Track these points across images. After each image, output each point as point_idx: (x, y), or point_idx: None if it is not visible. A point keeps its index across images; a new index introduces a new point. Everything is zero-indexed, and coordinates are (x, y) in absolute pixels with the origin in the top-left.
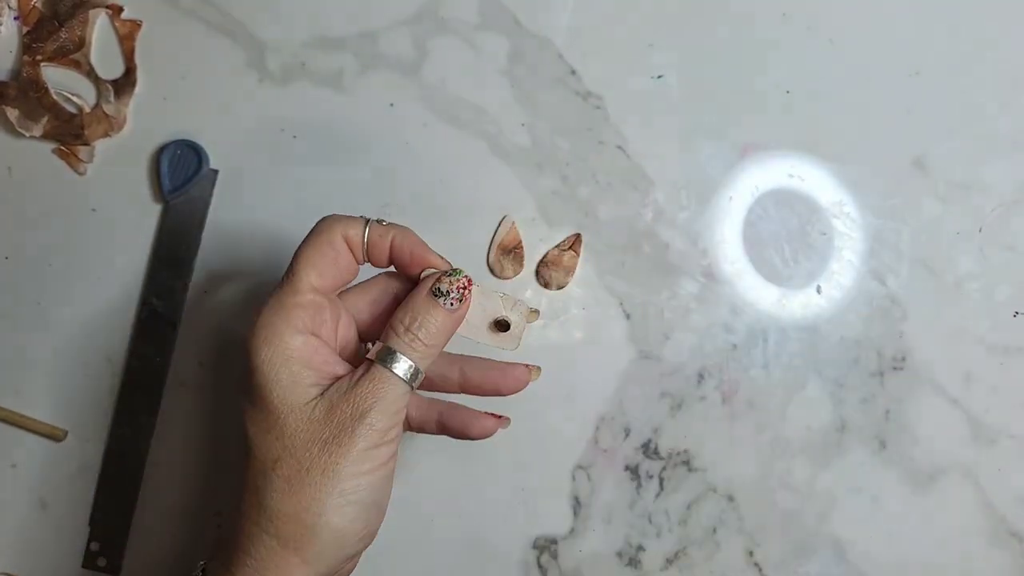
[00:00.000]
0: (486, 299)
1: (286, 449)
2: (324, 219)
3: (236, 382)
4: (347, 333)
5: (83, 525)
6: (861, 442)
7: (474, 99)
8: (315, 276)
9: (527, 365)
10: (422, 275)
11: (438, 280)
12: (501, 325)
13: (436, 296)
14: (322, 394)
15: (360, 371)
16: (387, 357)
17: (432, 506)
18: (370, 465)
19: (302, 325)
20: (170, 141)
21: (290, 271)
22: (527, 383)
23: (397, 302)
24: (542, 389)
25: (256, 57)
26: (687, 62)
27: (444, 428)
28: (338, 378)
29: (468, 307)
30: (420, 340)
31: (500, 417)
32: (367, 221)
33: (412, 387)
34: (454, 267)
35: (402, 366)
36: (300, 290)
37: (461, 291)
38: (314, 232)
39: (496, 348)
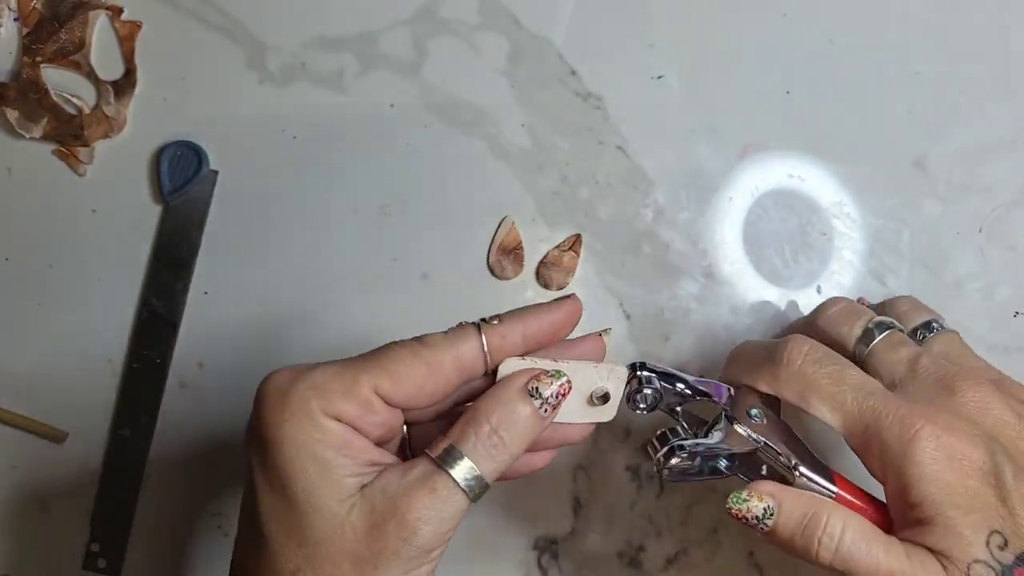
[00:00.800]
0: (577, 374)
1: (309, 560)
2: (431, 339)
3: (247, 440)
4: (393, 422)
5: (83, 526)
6: None
7: (474, 100)
8: (387, 384)
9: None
10: (500, 368)
11: (537, 379)
12: (601, 398)
13: (531, 396)
14: (361, 489)
15: (415, 472)
16: (451, 461)
17: None
18: None
19: (340, 414)
20: (170, 142)
21: (363, 360)
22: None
23: (462, 386)
24: None
25: (256, 58)
26: (687, 62)
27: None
28: (376, 465)
29: (555, 416)
30: (505, 446)
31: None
32: (478, 328)
33: (473, 502)
34: (557, 368)
35: (467, 473)
36: (358, 385)
37: (559, 398)
38: (418, 344)
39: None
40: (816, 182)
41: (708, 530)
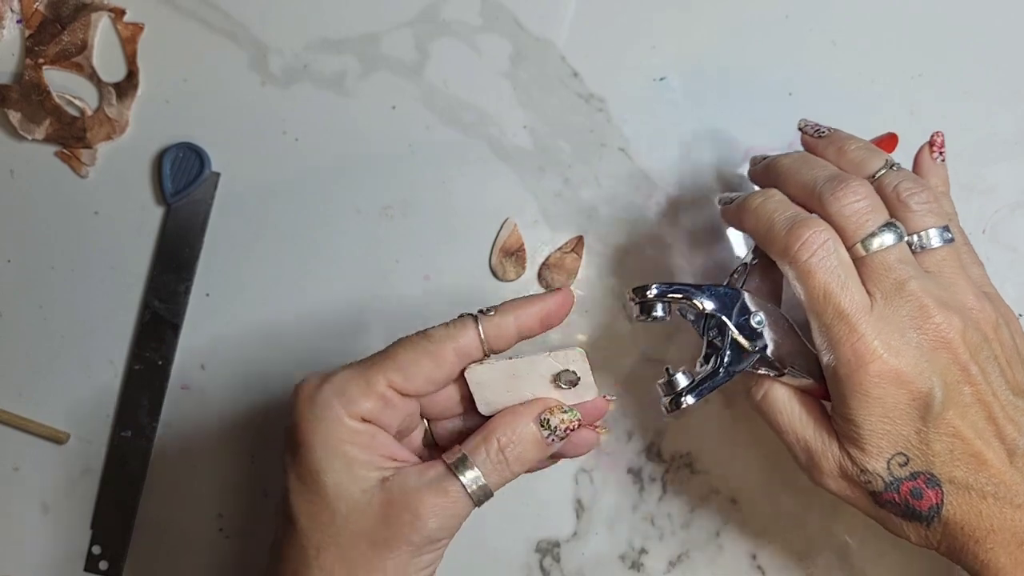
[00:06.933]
0: (536, 365)
1: (333, 539)
2: (434, 332)
3: (284, 445)
4: (410, 410)
5: (85, 528)
6: None
7: (476, 101)
8: (399, 378)
9: (604, 396)
10: (466, 374)
11: (550, 412)
12: (570, 382)
13: (542, 427)
14: (382, 482)
15: (431, 474)
16: (463, 468)
17: None
18: (415, 570)
19: (363, 413)
20: (172, 144)
21: (376, 359)
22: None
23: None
24: None
25: (258, 60)
26: (689, 64)
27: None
28: (396, 461)
29: (562, 445)
30: (508, 464)
31: (597, 428)
32: (475, 319)
33: (477, 505)
34: (569, 406)
35: (475, 482)
36: (374, 384)
37: (567, 431)
38: (422, 338)
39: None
40: None
41: (710, 533)
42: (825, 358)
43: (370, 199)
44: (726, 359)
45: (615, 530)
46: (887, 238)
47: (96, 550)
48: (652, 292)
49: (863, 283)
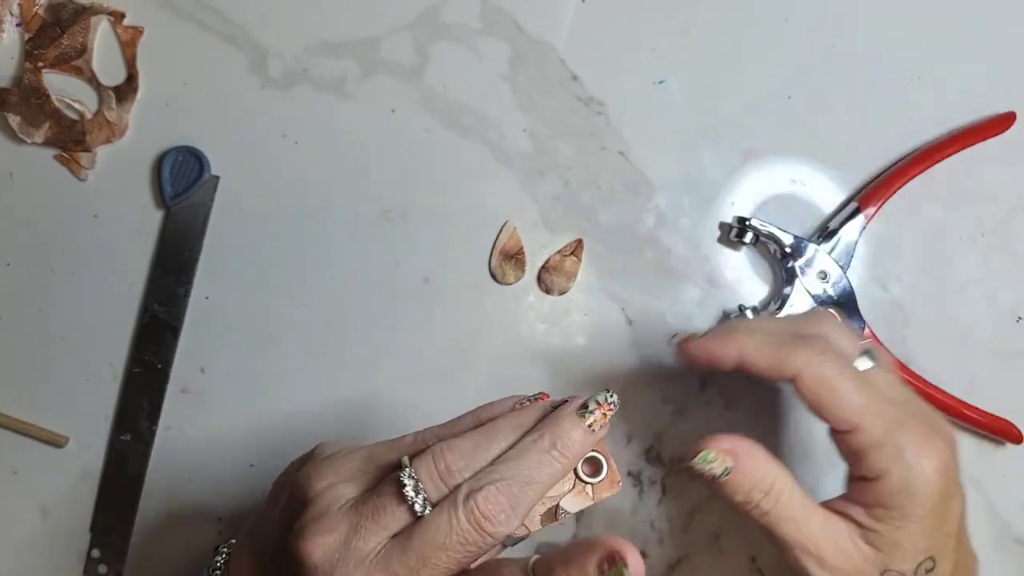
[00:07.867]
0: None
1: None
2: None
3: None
4: None
5: (84, 532)
6: None
7: (476, 104)
8: None
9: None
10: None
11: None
12: (593, 466)
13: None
14: None
15: None
16: None
17: None
18: None
19: None
20: (172, 147)
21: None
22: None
23: None
24: None
25: (258, 63)
26: (689, 67)
27: None
28: None
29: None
30: None
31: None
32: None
33: None
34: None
35: None
36: None
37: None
38: None
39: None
40: (818, 187)
41: (710, 536)
42: (888, 448)
43: (370, 202)
44: (790, 300)
45: (615, 533)
46: (874, 360)
47: (95, 553)
48: (751, 220)
49: None
